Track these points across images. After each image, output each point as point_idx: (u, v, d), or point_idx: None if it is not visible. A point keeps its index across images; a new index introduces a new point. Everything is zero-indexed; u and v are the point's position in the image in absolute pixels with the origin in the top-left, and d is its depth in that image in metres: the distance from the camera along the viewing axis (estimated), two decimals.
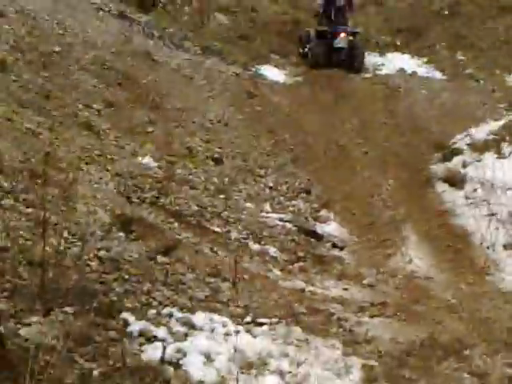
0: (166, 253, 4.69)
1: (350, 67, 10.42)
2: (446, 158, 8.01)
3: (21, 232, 3.85)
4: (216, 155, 7.37)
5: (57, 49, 7.28)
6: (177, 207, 5.82)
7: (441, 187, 7.58)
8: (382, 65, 10.82)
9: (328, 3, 10.88)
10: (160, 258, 4.57)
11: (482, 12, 11.55)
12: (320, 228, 6.79)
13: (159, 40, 9.62)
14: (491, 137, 7.94)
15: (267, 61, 10.99)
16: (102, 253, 4.22)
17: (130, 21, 9.54)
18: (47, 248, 3.58)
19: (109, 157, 5.87)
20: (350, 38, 10.48)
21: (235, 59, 10.41)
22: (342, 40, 10.39)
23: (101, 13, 9.17)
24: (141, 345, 3.51)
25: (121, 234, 4.62)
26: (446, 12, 11.84)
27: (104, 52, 7.91)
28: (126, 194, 5.45)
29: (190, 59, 9.51)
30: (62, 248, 3.81)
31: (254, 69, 10.46)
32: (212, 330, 3.90)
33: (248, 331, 4.07)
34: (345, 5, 10.80)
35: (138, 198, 5.55)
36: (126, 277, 4.08)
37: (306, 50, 10.71)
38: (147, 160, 6.35)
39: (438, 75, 10.45)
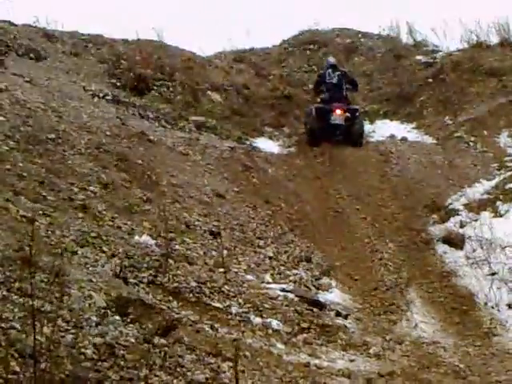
0: (165, 334, 4.59)
1: (348, 144, 10.49)
2: (444, 219, 8.05)
3: (13, 323, 3.78)
4: (214, 229, 7.36)
5: (52, 136, 7.42)
6: (175, 284, 5.74)
7: (441, 248, 7.58)
8: (373, 132, 11.09)
9: (322, 81, 11.10)
10: (158, 340, 4.45)
11: (465, 78, 11.92)
12: (322, 296, 6.69)
13: (154, 121, 9.85)
14: (486, 196, 8.03)
15: (261, 134, 11.27)
16: (97, 339, 4.11)
17: (125, 105, 9.81)
18: (40, 338, 3.51)
19: (104, 238, 5.85)
20: (348, 114, 10.50)
21: (229, 134, 10.64)
22: (338, 117, 10.42)
23: (96, 99, 9.43)
24: None
25: (117, 317, 4.53)
26: (431, 80, 12.24)
27: (99, 136, 8.07)
28: (123, 275, 5.38)
29: (185, 137, 9.70)
30: (55, 337, 3.73)
31: (248, 142, 10.68)
32: None
33: None
34: (342, 82, 10.95)
35: (135, 278, 5.49)
36: (122, 363, 3.97)
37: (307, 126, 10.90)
38: (144, 238, 6.33)
39: (428, 139, 10.67)
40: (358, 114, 10.75)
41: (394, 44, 14.60)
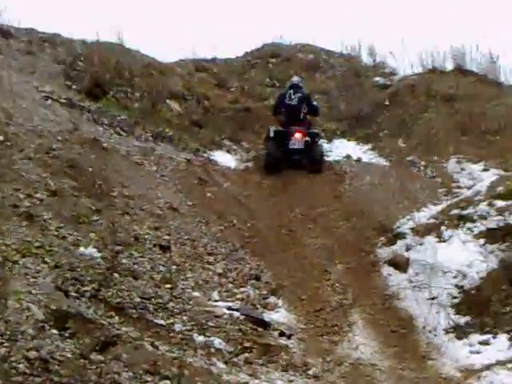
0: (102, 350, 4.52)
1: (306, 169, 10.08)
2: (391, 242, 8.21)
3: None
4: (163, 242, 7.29)
5: (0, 138, 7.23)
6: (118, 300, 5.66)
7: (386, 271, 7.71)
8: (330, 151, 11.21)
9: (281, 102, 10.66)
10: (95, 356, 4.39)
11: (420, 102, 12.24)
12: (268, 316, 6.71)
13: (109, 127, 9.67)
14: (432, 221, 8.23)
15: (219, 147, 11.19)
16: (31, 353, 4.02)
17: (80, 109, 9.59)
18: None
19: (48, 248, 5.72)
20: (307, 139, 10.11)
21: (186, 145, 10.55)
22: (296, 141, 10.05)
23: (49, 101, 9.20)
24: None
25: (54, 331, 4.44)
26: (387, 102, 12.52)
27: (50, 140, 7.87)
28: (65, 287, 5.28)
29: (141, 146, 9.57)
30: None
31: (205, 154, 10.60)
32: None
33: None
34: (302, 105, 10.52)
35: (77, 292, 5.39)
36: (56, 379, 3.89)
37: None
38: (90, 250, 6.21)
39: (382, 161, 10.88)
40: (318, 138, 10.49)
41: (354, 63, 14.86)
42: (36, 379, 3.81)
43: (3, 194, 6.22)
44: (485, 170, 10.00)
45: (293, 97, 10.60)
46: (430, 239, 7.79)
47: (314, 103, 11.08)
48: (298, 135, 10.09)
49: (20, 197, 6.38)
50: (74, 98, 9.80)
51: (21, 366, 3.89)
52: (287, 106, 10.57)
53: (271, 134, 10.23)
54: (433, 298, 6.94)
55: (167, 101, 11.74)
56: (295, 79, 11.15)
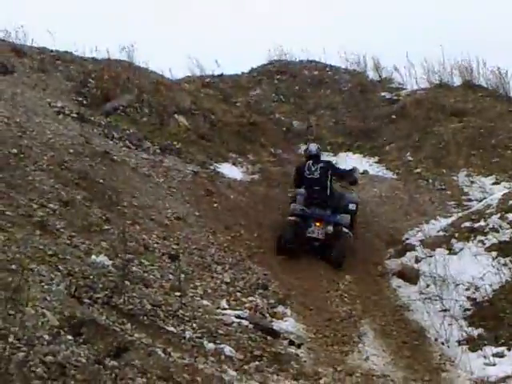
0: (116, 356, 4.55)
1: (326, 260, 8.32)
2: (400, 254, 8.24)
3: None
4: (172, 252, 7.36)
5: (14, 151, 7.35)
6: (130, 307, 5.70)
7: (395, 282, 7.74)
8: (336, 164, 11.28)
9: (301, 176, 8.81)
10: (109, 362, 4.41)
11: (428, 116, 12.35)
12: (277, 325, 6.73)
13: (119, 141, 9.82)
14: (442, 233, 8.26)
15: (226, 159, 11.34)
16: (48, 358, 4.06)
17: (90, 123, 9.77)
18: None
19: (61, 256, 5.78)
20: (329, 227, 8.32)
21: (193, 158, 10.68)
22: (316, 230, 8.31)
23: (61, 116, 9.37)
24: None
25: (69, 337, 4.48)
26: (394, 116, 12.64)
27: (62, 153, 8.01)
28: (78, 294, 5.32)
29: (149, 158, 9.70)
30: (6, 354, 3.67)
31: (212, 167, 10.73)
32: None
33: None
34: (326, 177, 8.69)
35: (90, 299, 5.43)
36: (73, 383, 3.93)
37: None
38: (101, 259, 6.28)
39: (389, 174, 10.95)
40: (344, 226, 8.37)
41: (360, 79, 15.04)
42: (54, 383, 3.84)
43: (17, 204, 6.31)
44: (495, 183, 10.06)
45: (313, 169, 8.81)
46: (441, 251, 7.82)
47: (341, 167, 9.42)
48: (318, 224, 8.36)
49: (33, 207, 6.47)
50: (84, 113, 9.96)
51: (39, 370, 3.92)
52: (309, 180, 8.72)
53: (292, 212, 8.53)
54: (445, 310, 6.94)
55: (175, 116, 11.92)
56: (312, 148, 9.25)
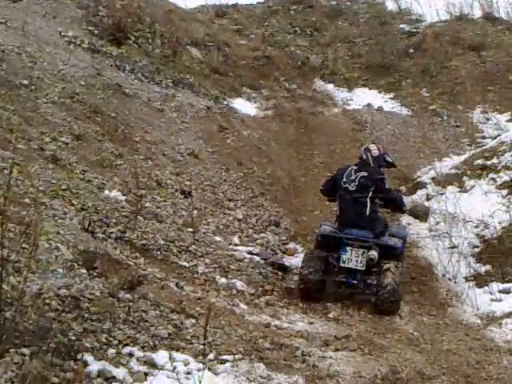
0: (130, 289, 4.66)
1: (369, 300, 6.02)
2: (411, 191, 8.21)
3: None
4: (185, 188, 7.39)
5: (25, 82, 7.27)
6: (143, 241, 5.80)
7: (406, 219, 7.74)
8: (351, 100, 11.11)
9: (335, 184, 6.36)
10: (123, 295, 4.53)
11: (446, 50, 11.98)
12: (287, 261, 6.83)
13: (131, 73, 9.65)
14: (454, 171, 8.19)
15: (239, 94, 11.15)
16: (62, 291, 4.16)
17: (102, 54, 9.58)
18: (6, 287, 3.55)
19: (74, 191, 5.83)
20: (372, 252, 5.96)
21: (207, 92, 10.52)
22: (353, 256, 6.01)
23: (72, 46, 9.18)
24: None
25: (83, 270, 4.58)
26: (412, 50, 12.27)
27: (73, 85, 7.91)
28: (91, 229, 5.41)
29: (162, 92, 9.57)
30: (21, 287, 3.77)
31: (225, 102, 10.58)
32: (173, 369, 3.88)
33: (210, 369, 4.06)
34: (368, 191, 6.10)
35: (104, 233, 5.52)
36: (86, 315, 4.04)
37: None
38: (114, 194, 6.33)
39: (404, 111, 10.76)
40: (397, 252, 6.12)
41: (378, 10, 14.52)
42: (68, 315, 3.95)
43: (29, 137, 6.31)
44: (511, 120, 9.86)
45: (352, 177, 6.23)
46: (452, 189, 7.78)
47: (392, 190, 6.64)
48: (355, 248, 6.04)
49: (45, 140, 6.47)
50: (96, 44, 9.76)
51: (53, 302, 4.03)
52: (343, 191, 6.25)
53: (319, 238, 6.35)
54: (453, 247, 6.99)
55: (188, 47, 11.65)
56: (362, 150, 6.57)
